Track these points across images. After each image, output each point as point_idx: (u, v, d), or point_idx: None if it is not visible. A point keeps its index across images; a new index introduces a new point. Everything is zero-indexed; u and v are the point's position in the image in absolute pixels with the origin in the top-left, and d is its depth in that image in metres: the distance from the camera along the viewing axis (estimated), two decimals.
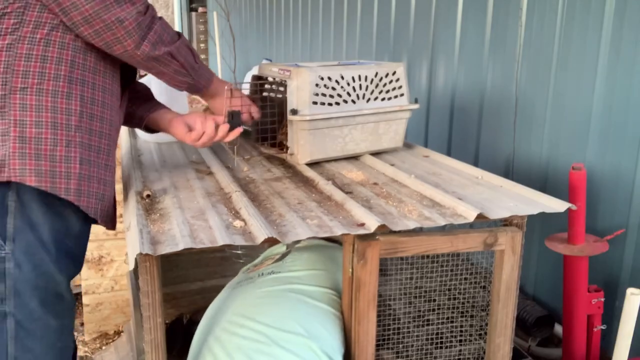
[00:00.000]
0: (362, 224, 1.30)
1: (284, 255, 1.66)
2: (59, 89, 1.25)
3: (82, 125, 1.28)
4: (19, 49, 1.22)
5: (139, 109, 1.62)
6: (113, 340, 2.80)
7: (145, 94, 1.67)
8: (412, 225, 1.31)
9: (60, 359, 1.34)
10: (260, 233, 1.22)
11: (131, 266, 1.16)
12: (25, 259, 1.24)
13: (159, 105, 1.65)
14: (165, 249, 1.15)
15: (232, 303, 1.52)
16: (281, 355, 1.34)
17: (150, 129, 1.66)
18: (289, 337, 1.37)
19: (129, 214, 1.38)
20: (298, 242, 1.67)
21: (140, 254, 1.13)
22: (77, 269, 1.39)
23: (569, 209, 1.43)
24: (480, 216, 1.36)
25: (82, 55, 1.29)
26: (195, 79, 1.51)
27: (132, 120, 1.62)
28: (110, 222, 1.43)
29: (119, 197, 1.62)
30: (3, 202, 1.22)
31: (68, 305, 1.36)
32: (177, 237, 1.21)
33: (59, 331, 1.33)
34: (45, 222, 1.26)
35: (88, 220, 1.37)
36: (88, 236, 1.42)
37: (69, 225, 1.32)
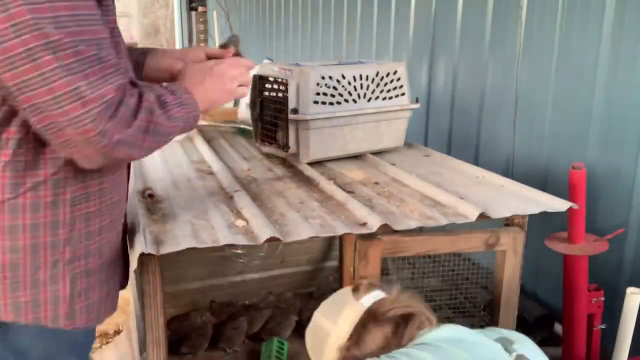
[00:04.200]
0: (364, 224, 1.30)
1: None
2: (41, 199, 0.98)
3: (74, 236, 1.03)
4: None
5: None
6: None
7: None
8: (414, 224, 1.31)
9: None
10: (263, 232, 1.22)
11: (133, 266, 1.16)
12: None
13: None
14: (168, 248, 1.15)
15: None
16: None
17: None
18: None
19: (130, 213, 1.38)
20: None
21: (143, 253, 1.13)
22: None
23: (569, 208, 1.44)
24: (482, 215, 1.36)
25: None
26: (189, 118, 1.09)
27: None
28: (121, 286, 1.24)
29: None
30: None
31: None
32: (179, 237, 1.21)
33: None
34: (36, 348, 1.05)
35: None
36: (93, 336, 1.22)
37: (70, 342, 1.10)
